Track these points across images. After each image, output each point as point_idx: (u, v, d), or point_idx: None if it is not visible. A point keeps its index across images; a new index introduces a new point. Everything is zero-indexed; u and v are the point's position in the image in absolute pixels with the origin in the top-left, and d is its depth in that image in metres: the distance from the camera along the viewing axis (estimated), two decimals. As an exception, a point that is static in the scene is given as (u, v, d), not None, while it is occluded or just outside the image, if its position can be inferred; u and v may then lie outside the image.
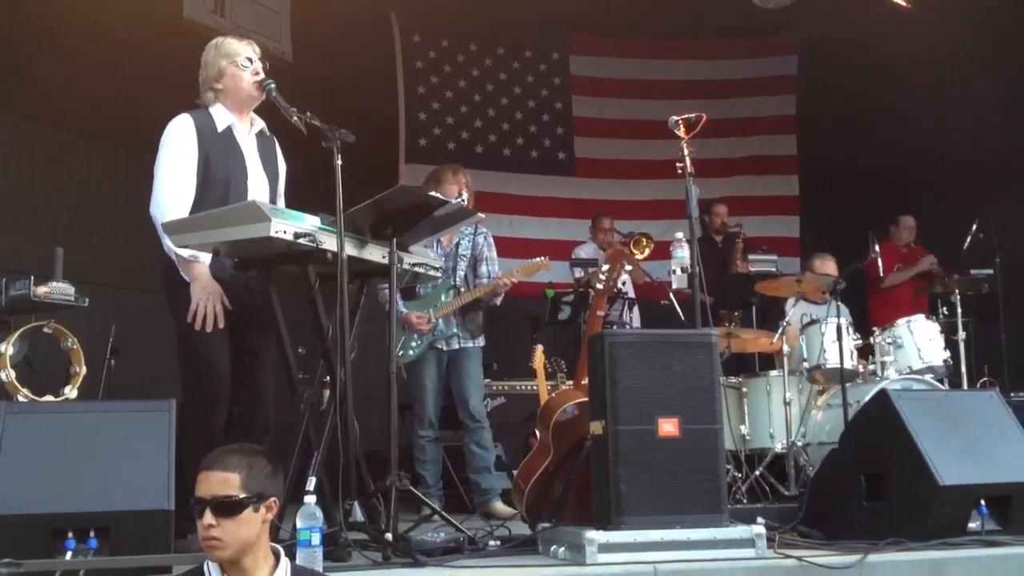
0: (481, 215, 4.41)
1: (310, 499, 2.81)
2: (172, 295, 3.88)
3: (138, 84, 6.47)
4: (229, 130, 3.97)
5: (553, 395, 4.41)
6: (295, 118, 3.83)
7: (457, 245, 5.68)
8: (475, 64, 8.84)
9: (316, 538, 2.75)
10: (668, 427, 3.41)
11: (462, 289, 5.67)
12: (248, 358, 3.96)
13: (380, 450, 4.04)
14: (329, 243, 3.63)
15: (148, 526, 2.98)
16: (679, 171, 4.35)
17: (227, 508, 2.35)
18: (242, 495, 2.36)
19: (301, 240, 3.54)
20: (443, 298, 5.61)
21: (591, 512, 3.44)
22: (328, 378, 3.78)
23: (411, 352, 5.55)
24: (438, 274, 4.31)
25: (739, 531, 3.33)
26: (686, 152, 4.30)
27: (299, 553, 2.73)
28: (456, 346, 5.63)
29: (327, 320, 3.77)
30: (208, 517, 2.35)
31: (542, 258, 5.76)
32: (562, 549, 3.37)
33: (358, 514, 3.45)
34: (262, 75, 3.97)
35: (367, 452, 4.01)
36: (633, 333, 4.06)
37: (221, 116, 3.97)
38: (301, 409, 3.70)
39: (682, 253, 4.46)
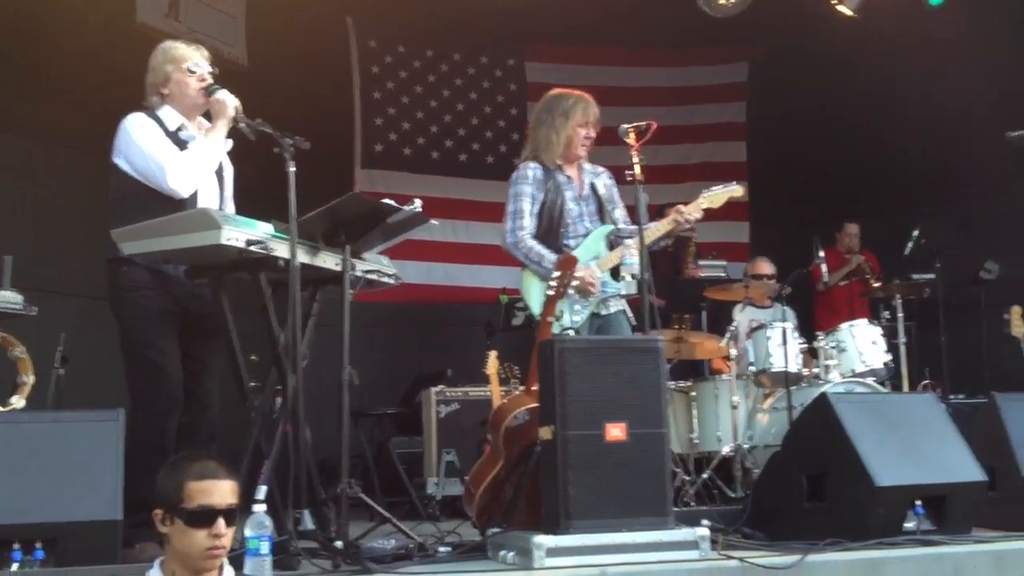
0: (435, 221, 4.46)
1: (259, 508, 2.83)
2: (118, 300, 3.86)
3: (90, 91, 6.42)
4: (178, 132, 3.98)
5: (504, 401, 4.46)
6: (242, 124, 3.85)
7: (592, 186, 4.71)
8: (431, 70, 8.88)
9: (265, 547, 2.77)
10: (616, 432, 3.47)
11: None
12: (194, 364, 3.95)
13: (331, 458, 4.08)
14: (281, 250, 3.65)
15: (96, 536, 2.99)
16: (628, 179, 4.42)
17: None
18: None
19: (253, 247, 3.55)
20: (602, 246, 4.61)
21: (541, 517, 3.49)
22: (281, 386, 3.80)
23: (576, 319, 4.46)
24: (391, 281, 4.33)
25: (684, 533, 3.40)
26: (635, 160, 4.37)
27: (248, 562, 2.75)
28: (613, 309, 4.60)
29: (279, 328, 3.80)
30: (221, 526, 2.41)
31: (735, 184, 4.79)
32: (511, 554, 3.41)
33: (308, 522, 3.48)
34: (209, 81, 3.98)
35: (321, 459, 4.05)
36: (582, 339, 4.11)
37: (170, 117, 3.98)
38: (252, 417, 3.72)
39: (631, 260, 4.54)
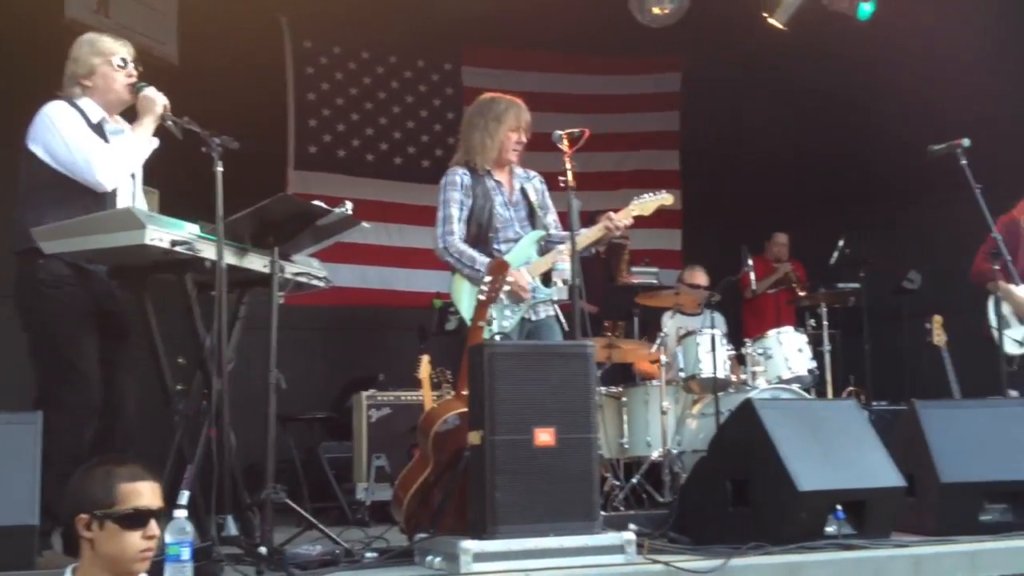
0: (367, 224, 4.43)
1: (180, 513, 2.79)
2: (33, 295, 3.71)
3: (17, 86, 6.26)
4: (101, 125, 3.89)
5: (434, 406, 4.44)
6: (169, 122, 3.80)
7: (523, 191, 4.73)
8: (367, 72, 8.82)
9: (186, 553, 2.73)
10: (544, 437, 3.49)
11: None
12: (109, 367, 3.84)
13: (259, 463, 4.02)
14: (208, 251, 3.61)
15: (12, 542, 2.92)
16: (561, 184, 4.45)
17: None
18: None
19: (178, 248, 3.50)
20: (533, 252, 4.64)
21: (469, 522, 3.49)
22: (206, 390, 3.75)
23: (506, 324, 4.44)
24: (321, 283, 4.29)
25: (610, 538, 3.43)
26: (568, 166, 4.40)
27: (167, 568, 2.71)
28: (543, 315, 4.63)
29: (204, 331, 3.74)
30: (154, 527, 2.40)
31: (665, 192, 4.87)
32: (438, 559, 3.41)
33: (232, 528, 3.43)
34: (135, 77, 3.92)
35: (249, 464, 4.00)
36: (512, 344, 4.12)
37: (92, 109, 3.89)
38: (176, 421, 3.66)
39: (563, 266, 4.56)
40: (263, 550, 3.37)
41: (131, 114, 3.99)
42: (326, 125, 8.59)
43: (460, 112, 8.96)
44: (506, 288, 4.33)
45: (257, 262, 3.86)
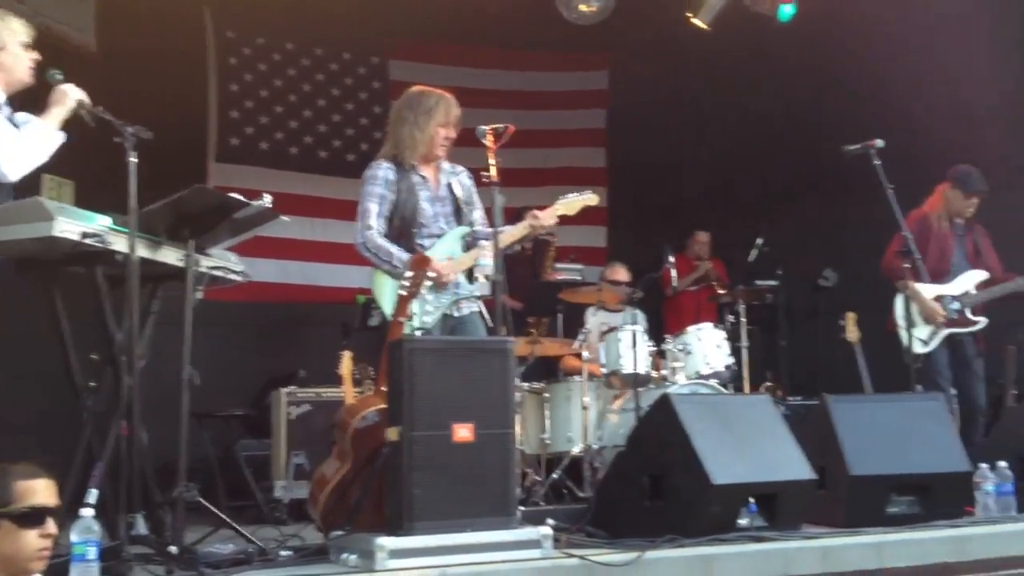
0: (285, 218, 4.38)
1: (87, 512, 2.73)
2: None
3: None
4: (11, 118, 3.78)
5: (353, 401, 4.42)
6: (83, 111, 3.71)
7: (449, 186, 4.70)
8: (291, 64, 8.71)
9: (92, 552, 2.68)
10: (463, 432, 3.49)
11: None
12: None
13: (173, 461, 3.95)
14: (120, 244, 3.54)
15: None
16: (485, 180, 4.45)
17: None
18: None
19: (88, 241, 3.43)
20: (457, 247, 4.61)
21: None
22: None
23: (427, 319, 4.40)
24: (238, 278, 4.24)
25: (527, 533, 3.45)
26: (492, 162, 4.40)
27: (73, 568, 2.65)
28: (466, 311, 4.61)
29: (116, 326, 3.67)
30: (52, 525, 2.35)
31: (590, 192, 4.88)
32: (353, 557, 3.38)
33: (142, 527, 3.37)
34: (35, 62, 3.81)
35: (164, 463, 3.92)
36: (432, 340, 4.11)
37: None
38: (85, 418, 3.58)
39: (485, 261, 4.56)
40: (173, 549, 3.32)
41: (29, 100, 3.88)
42: (249, 117, 8.45)
43: (387, 106, 8.89)
44: (428, 283, 4.31)
45: (171, 256, 3.80)
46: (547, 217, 4.73)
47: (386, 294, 4.46)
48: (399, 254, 4.41)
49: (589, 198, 4.85)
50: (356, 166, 8.59)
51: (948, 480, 4.24)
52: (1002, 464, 4.36)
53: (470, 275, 4.66)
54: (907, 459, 4.22)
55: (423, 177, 4.65)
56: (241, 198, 3.91)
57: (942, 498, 4.21)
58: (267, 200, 3.92)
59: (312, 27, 8.50)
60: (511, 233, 4.64)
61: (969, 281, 5.91)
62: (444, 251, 4.57)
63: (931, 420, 4.39)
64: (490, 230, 4.50)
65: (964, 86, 7.74)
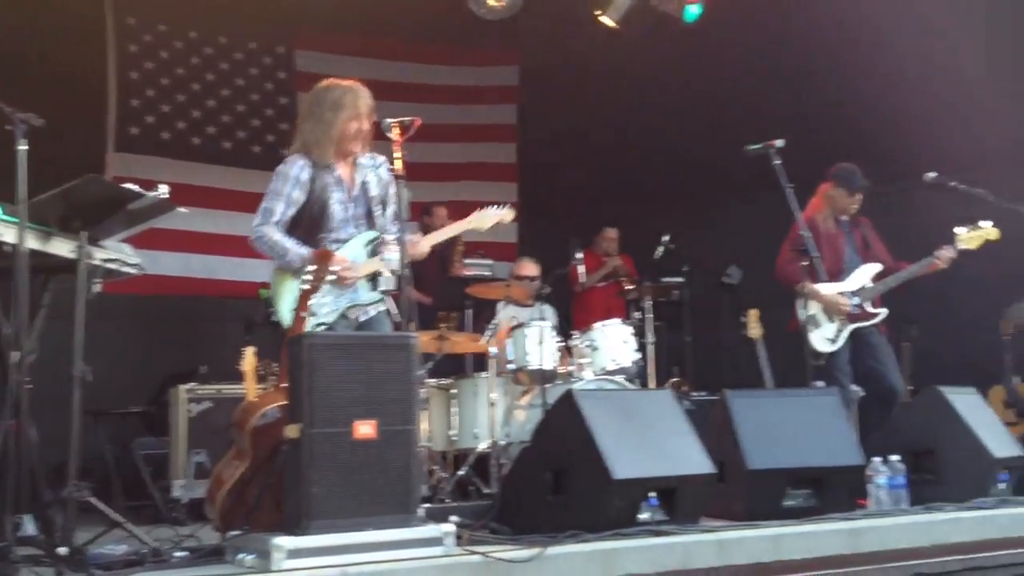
0: (182, 209, 4.25)
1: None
2: None
3: None
4: None
5: (253, 398, 4.33)
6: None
7: (364, 185, 4.54)
8: (194, 52, 8.51)
9: (-29, 554, 2.57)
10: (365, 429, 3.45)
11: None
12: None
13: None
14: (8, 235, 3.43)
15: None
16: (391, 173, 4.41)
17: None
18: None
19: (-27, 232, 3.30)
20: (362, 253, 4.49)
21: (285, 518, 3.42)
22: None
23: (321, 317, 4.34)
24: (133, 271, 4.11)
25: (429, 530, 3.42)
26: (398, 155, 4.35)
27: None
28: (373, 312, 4.52)
29: (4, 319, 3.53)
30: None
31: (507, 207, 4.84)
32: (250, 557, 3.31)
33: (30, 528, 3.25)
34: None
35: (61, 462, 3.78)
36: (333, 335, 4.05)
37: None
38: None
39: (391, 256, 4.51)
40: (63, 550, 3.21)
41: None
42: (150, 106, 8.24)
43: (294, 97, 8.80)
44: (331, 277, 4.24)
45: (63, 247, 3.68)
46: (457, 228, 4.79)
47: (283, 295, 4.35)
48: (296, 249, 4.27)
49: (505, 213, 4.83)
50: (262, 157, 8.50)
51: (842, 473, 4.35)
52: (894, 458, 4.48)
53: (375, 280, 4.57)
54: (803, 453, 4.31)
55: (337, 177, 4.47)
56: (136, 188, 3.79)
57: (836, 491, 4.32)
58: (163, 191, 3.81)
59: (216, 15, 8.31)
60: (426, 240, 4.61)
61: (865, 275, 6.06)
62: (349, 255, 4.47)
63: (826, 415, 4.50)
64: (397, 232, 4.41)
65: (848, 86, 7.99)
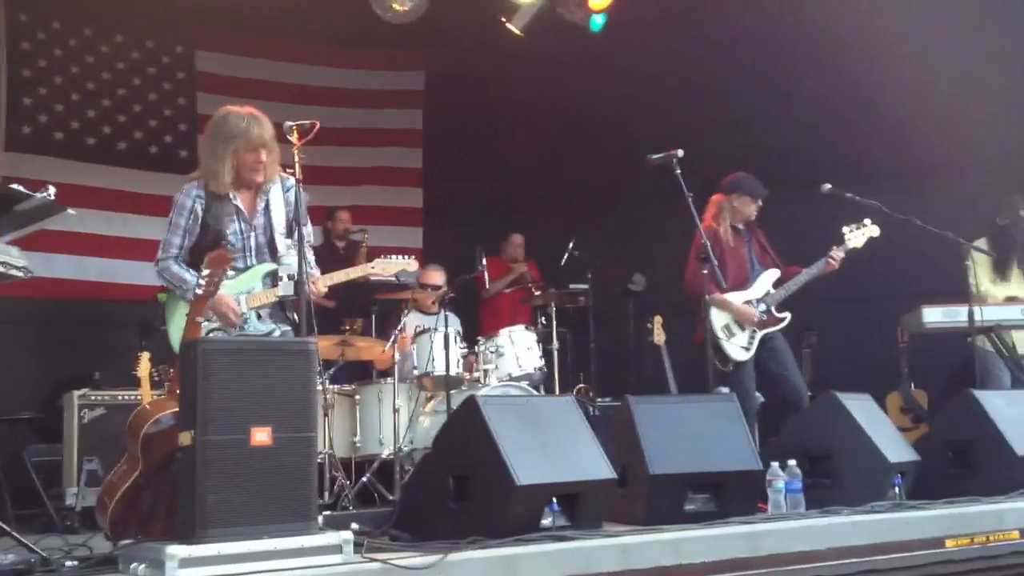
0: (71, 211, 4.10)
1: None
2: None
3: None
4: None
5: (145, 405, 4.21)
6: None
7: (268, 212, 4.43)
8: (89, 50, 8.24)
9: None
10: (261, 436, 3.37)
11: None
12: None
13: None
14: None
15: None
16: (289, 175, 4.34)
17: None
18: None
19: None
20: (258, 283, 4.41)
21: (178, 527, 3.33)
22: None
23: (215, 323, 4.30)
24: (20, 273, 3.94)
25: (327, 538, 3.35)
26: (297, 158, 4.28)
27: None
28: (278, 333, 4.46)
29: None
30: None
31: (412, 258, 4.86)
32: (142, 566, 3.21)
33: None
34: None
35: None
36: (228, 340, 3.95)
37: None
38: None
39: (289, 260, 4.43)
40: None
41: None
42: (42, 105, 7.96)
43: (193, 97, 8.61)
44: (227, 279, 4.14)
45: (-58, 249, 3.50)
46: (356, 273, 4.70)
47: (175, 319, 4.30)
48: (193, 280, 4.14)
49: (409, 263, 4.83)
50: (159, 158, 8.31)
51: (741, 478, 4.41)
52: (792, 463, 4.56)
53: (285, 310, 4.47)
54: (703, 458, 4.35)
55: (236, 207, 4.37)
56: (22, 189, 3.64)
57: (736, 495, 4.37)
58: (51, 192, 3.67)
59: (112, 13, 8.08)
60: (316, 281, 4.47)
61: (767, 281, 6.19)
62: (244, 285, 4.37)
63: (727, 421, 4.54)
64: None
65: (765, 98, 8.18)
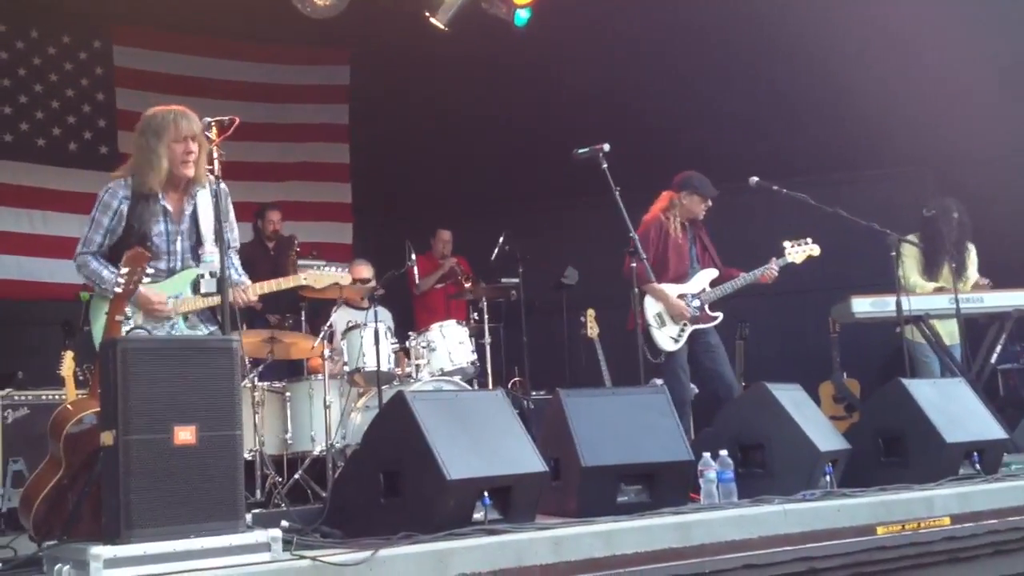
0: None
1: None
2: None
3: None
4: None
5: (67, 405, 4.11)
6: None
7: (195, 215, 4.33)
8: (4, 46, 8.05)
9: None
10: (185, 435, 3.31)
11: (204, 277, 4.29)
12: None
13: None
14: None
15: None
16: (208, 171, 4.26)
17: None
18: None
19: None
20: (187, 288, 4.31)
21: (104, 527, 3.25)
22: None
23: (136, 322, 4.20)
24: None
25: (255, 536, 3.31)
26: (216, 155, 4.21)
27: None
28: (205, 333, 4.38)
29: None
30: None
31: (346, 271, 4.88)
32: (67, 567, 3.15)
33: None
34: None
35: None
36: (148, 339, 3.85)
37: None
38: None
39: (211, 258, 4.34)
40: None
41: None
42: (-42, 102, 7.75)
43: (111, 93, 8.43)
44: (146, 279, 4.04)
45: None
46: (288, 283, 4.57)
47: (98, 318, 4.20)
48: (111, 277, 4.05)
49: (343, 276, 4.79)
50: (78, 156, 8.13)
51: (673, 469, 4.43)
52: (723, 453, 4.60)
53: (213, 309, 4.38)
54: (635, 450, 4.36)
55: (163, 207, 4.27)
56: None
57: (668, 486, 4.39)
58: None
59: (26, 7, 7.87)
60: (247, 289, 4.39)
61: (704, 279, 6.27)
62: (171, 290, 4.28)
63: (657, 413, 4.56)
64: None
65: (693, 93, 8.26)
